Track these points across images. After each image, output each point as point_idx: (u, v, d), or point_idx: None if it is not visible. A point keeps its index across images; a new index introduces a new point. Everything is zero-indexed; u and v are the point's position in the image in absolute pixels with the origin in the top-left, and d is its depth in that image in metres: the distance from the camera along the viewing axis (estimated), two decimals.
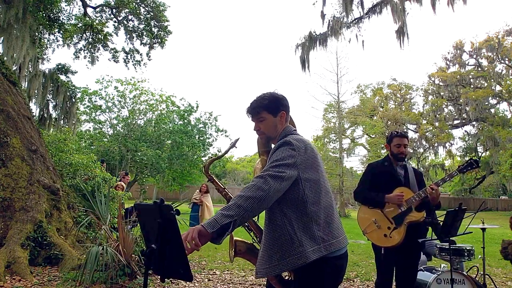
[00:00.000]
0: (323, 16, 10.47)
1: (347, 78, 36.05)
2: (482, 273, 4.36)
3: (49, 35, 11.88)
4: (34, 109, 11.30)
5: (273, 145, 3.10)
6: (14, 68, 9.39)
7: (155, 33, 12.38)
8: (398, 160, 3.37)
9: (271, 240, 1.88)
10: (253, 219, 2.25)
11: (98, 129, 22.77)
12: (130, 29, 12.41)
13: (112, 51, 12.97)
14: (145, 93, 23.15)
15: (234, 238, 2.16)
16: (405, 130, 27.97)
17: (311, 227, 1.84)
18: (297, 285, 1.90)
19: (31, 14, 9.35)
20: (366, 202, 3.36)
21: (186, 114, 23.27)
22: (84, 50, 12.66)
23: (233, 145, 2.29)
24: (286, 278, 2.09)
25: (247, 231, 2.20)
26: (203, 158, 24.05)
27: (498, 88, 26.24)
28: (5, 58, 8.04)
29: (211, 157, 2.28)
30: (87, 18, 12.25)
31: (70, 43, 12.42)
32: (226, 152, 2.34)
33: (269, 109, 2.01)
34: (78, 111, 14.95)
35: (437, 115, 27.49)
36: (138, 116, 23.17)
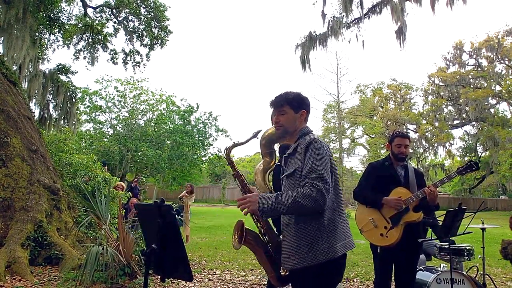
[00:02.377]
0: (323, 15, 10.48)
1: (347, 78, 36.19)
2: (482, 273, 4.36)
3: (49, 35, 11.88)
4: (35, 109, 11.30)
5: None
6: (14, 68, 9.39)
7: (156, 33, 12.37)
8: (398, 160, 3.38)
9: (301, 232, 1.95)
10: None
11: (98, 129, 22.75)
12: (130, 29, 12.40)
13: (112, 53, 12.95)
14: (145, 93, 23.14)
15: (245, 226, 2.18)
16: (405, 130, 27.97)
17: (339, 223, 1.97)
18: (310, 281, 1.94)
19: (31, 14, 9.35)
20: (365, 202, 3.37)
21: (186, 114, 23.26)
22: (84, 51, 12.65)
23: (255, 135, 2.35)
24: (282, 274, 2.13)
25: (254, 221, 2.22)
26: (203, 158, 24.08)
27: (498, 88, 26.20)
28: (5, 58, 8.04)
29: (234, 143, 2.33)
30: (87, 19, 12.24)
31: (70, 43, 12.41)
32: (248, 140, 2.38)
33: (292, 105, 2.12)
34: (78, 111, 14.94)
35: (437, 115, 27.46)
36: (138, 116, 23.14)
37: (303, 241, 1.92)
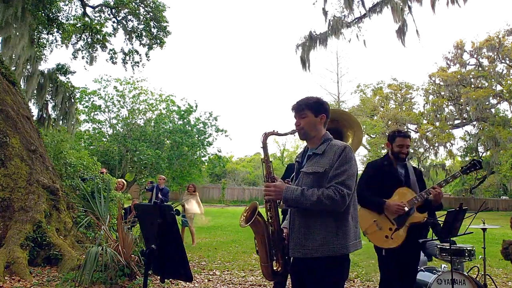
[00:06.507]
0: (325, 13, 10.42)
1: (347, 78, 36.19)
2: (482, 273, 4.33)
3: (47, 34, 11.83)
4: (33, 109, 11.25)
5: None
6: (13, 68, 9.35)
7: (155, 33, 12.34)
8: (398, 160, 3.34)
9: (319, 224, 2.07)
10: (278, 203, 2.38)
11: (97, 129, 22.74)
12: (129, 29, 12.36)
13: (111, 52, 12.91)
14: (144, 93, 23.13)
15: (258, 208, 2.19)
16: (406, 130, 27.95)
17: (351, 224, 2.11)
18: (321, 274, 2.05)
19: (30, 13, 9.32)
20: (365, 205, 3.27)
21: (185, 114, 23.25)
22: (82, 51, 12.60)
23: (293, 132, 2.37)
24: (275, 269, 2.18)
25: (266, 209, 2.24)
26: (203, 158, 24.06)
27: (498, 88, 26.17)
28: (3, 58, 8.01)
29: (274, 131, 2.39)
30: (86, 18, 12.21)
31: (68, 43, 12.35)
32: (285, 134, 2.43)
33: (312, 109, 2.24)
34: (77, 111, 14.89)
35: (438, 115, 27.40)
36: (137, 116, 23.13)
37: (320, 233, 2.05)
